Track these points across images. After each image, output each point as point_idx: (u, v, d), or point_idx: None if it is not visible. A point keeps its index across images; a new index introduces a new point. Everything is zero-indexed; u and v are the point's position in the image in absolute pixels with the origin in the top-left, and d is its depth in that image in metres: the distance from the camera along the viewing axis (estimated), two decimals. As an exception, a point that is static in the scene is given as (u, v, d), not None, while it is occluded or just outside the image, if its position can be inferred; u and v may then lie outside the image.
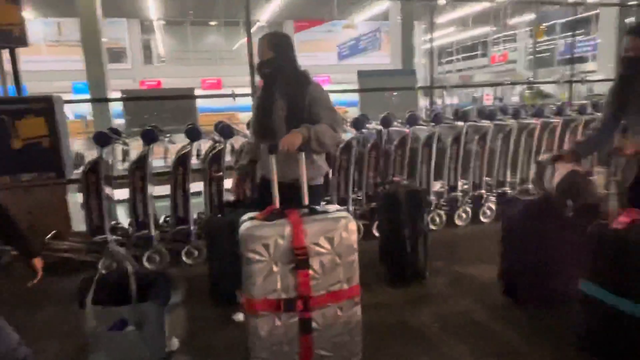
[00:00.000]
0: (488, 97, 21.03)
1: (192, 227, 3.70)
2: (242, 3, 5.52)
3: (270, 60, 2.28)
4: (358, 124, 4.11)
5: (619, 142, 2.18)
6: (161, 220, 4.19)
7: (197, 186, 3.87)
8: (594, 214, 2.35)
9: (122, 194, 4.14)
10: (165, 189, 4.05)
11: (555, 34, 21.48)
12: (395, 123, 4.33)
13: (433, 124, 4.33)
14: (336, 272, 1.95)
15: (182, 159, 3.64)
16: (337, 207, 2.21)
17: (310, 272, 1.91)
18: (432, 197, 4.33)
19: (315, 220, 1.96)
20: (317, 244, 1.92)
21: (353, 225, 1.99)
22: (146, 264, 3.54)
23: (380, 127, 4.18)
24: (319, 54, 20.99)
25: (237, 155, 3.85)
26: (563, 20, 19.33)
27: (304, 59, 2.37)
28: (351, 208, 4.09)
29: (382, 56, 21.54)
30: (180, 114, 12.88)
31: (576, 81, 11.35)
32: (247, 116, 3.57)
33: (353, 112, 11.66)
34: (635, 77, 2.21)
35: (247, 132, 3.94)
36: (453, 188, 4.43)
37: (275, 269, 1.90)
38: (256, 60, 2.50)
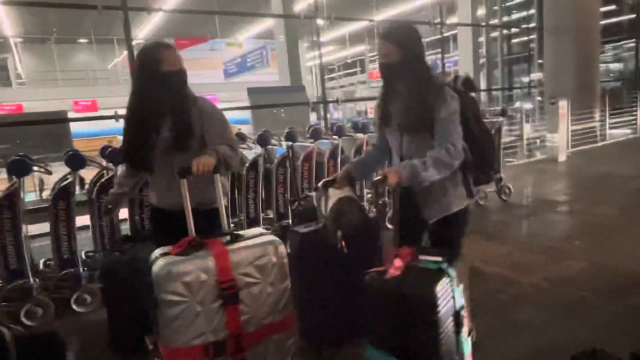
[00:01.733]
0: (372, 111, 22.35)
1: (81, 270, 3.18)
2: (115, 20, 5.05)
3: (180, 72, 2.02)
4: (263, 140, 3.97)
5: (385, 169, 1.83)
6: (40, 265, 3.56)
7: (81, 221, 3.37)
8: (370, 248, 2.04)
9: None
10: (40, 228, 3.46)
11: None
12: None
13: (311, 139, 4.23)
14: (269, 303, 1.77)
15: (64, 191, 3.12)
16: (260, 230, 2.03)
17: (241, 307, 1.70)
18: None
19: (241, 247, 1.76)
20: (246, 274, 1.72)
21: (283, 248, 1.83)
22: (25, 319, 2.93)
23: (287, 142, 4.08)
24: (204, 72, 20.37)
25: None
26: (429, 39, 21.45)
27: (190, 78, 2.09)
28: (262, 228, 3.90)
29: (270, 73, 21.67)
30: (50, 140, 11.41)
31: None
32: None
33: (245, 130, 11.49)
34: (394, 86, 1.95)
35: (100, 159, 3.56)
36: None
37: (199, 309, 1.65)
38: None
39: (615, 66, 15.70)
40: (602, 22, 11.00)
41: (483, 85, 16.95)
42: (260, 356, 1.77)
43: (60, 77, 20.64)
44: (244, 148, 4.22)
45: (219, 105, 2.31)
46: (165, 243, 1.80)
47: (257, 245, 1.78)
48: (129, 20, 5.22)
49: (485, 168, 2.01)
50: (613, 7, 14.17)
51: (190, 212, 1.83)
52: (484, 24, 16.12)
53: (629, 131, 10.53)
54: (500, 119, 5.57)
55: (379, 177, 1.80)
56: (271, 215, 4.12)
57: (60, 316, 3.05)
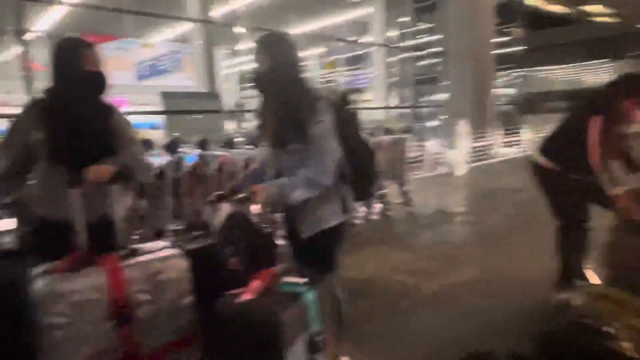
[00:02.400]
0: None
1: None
2: (11, 9, 4.60)
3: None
4: (172, 147, 3.81)
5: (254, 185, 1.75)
6: None
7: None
8: (254, 264, 1.81)
9: None
10: None
11: (340, 67, 24.61)
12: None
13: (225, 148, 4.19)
14: (167, 323, 1.68)
15: None
16: (161, 243, 1.93)
17: (137, 326, 1.60)
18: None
19: (138, 263, 1.66)
20: (143, 292, 1.62)
21: (184, 263, 1.76)
22: None
23: (198, 150, 3.95)
24: (114, 73, 19.08)
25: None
26: (346, 55, 22.25)
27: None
28: (170, 240, 3.72)
29: (185, 78, 20.92)
30: None
31: (361, 108, 13.15)
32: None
33: (157, 135, 11.01)
34: (268, 97, 1.90)
35: None
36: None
37: (88, 331, 1.52)
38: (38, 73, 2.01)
39: (508, 91, 17.57)
40: (497, 52, 12.29)
41: (395, 102, 17.96)
42: (157, 378, 1.67)
43: None
44: (150, 156, 4.01)
45: (130, 109, 2.20)
46: (50, 259, 1.63)
47: (156, 260, 1.70)
48: (22, 10, 4.73)
49: (364, 184, 1.99)
50: (505, 38, 15.89)
51: (82, 225, 1.69)
52: (395, 45, 17.14)
53: (517, 149, 11.79)
54: (406, 135, 5.95)
55: (244, 195, 1.72)
56: (180, 227, 3.95)
57: None
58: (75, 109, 1.85)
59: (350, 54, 21.39)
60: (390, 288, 3.39)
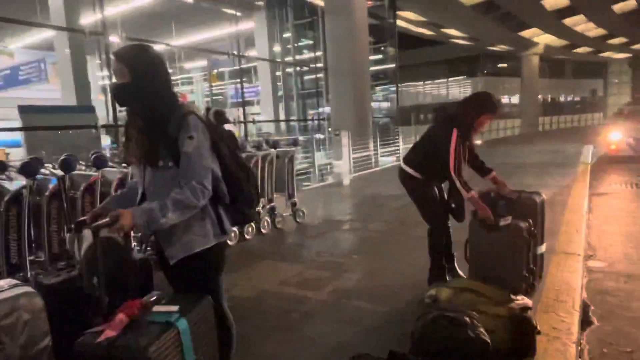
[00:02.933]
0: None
1: None
2: None
3: None
4: (30, 169, 3.36)
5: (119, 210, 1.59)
6: None
7: None
8: (123, 294, 1.68)
9: None
10: None
11: (226, 80, 24.30)
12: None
13: (95, 167, 3.78)
14: (21, 370, 1.47)
15: None
16: (10, 281, 1.68)
17: (-22, 381, 1.37)
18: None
19: (-21, 307, 1.43)
20: (-14, 340, 1.40)
21: (38, 301, 1.56)
22: None
23: (59, 172, 3.55)
24: (-45, 83, 16.39)
25: None
26: (230, 69, 22.03)
27: None
28: (30, 274, 3.27)
29: (51, 90, 18.80)
30: None
31: (248, 121, 13.11)
32: None
33: (16, 154, 9.77)
34: (132, 111, 1.80)
35: None
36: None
37: None
38: None
39: (385, 105, 19.03)
40: (373, 69, 13.27)
41: (282, 115, 18.23)
42: None
43: None
44: (2, 179, 3.51)
45: None
46: None
47: (4, 300, 1.48)
48: None
49: (242, 207, 1.89)
50: (380, 56, 17.22)
51: None
52: (279, 60, 17.46)
53: (394, 158, 12.78)
54: (294, 148, 6.07)
55: (107, 220, 1.56)
56: (43, 258, 3.50)
57: None
58: None
59: (235, 67, 21.25)
60: (280, 302, 3.39)
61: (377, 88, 17.43)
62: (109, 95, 15.08)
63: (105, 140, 12.63)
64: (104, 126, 8.45)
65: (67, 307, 1.74)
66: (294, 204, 5.86)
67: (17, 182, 3.59)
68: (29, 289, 1.55)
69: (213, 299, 1.73)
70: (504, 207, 3.12)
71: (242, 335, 2.10)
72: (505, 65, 35.11)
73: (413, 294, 3.31)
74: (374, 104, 14.04)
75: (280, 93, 17.71)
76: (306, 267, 4.20)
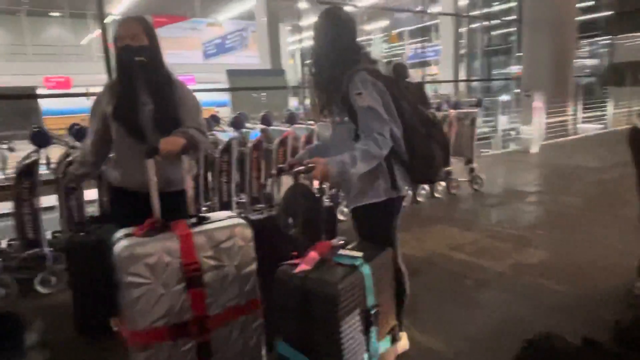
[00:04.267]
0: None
1: (46, 250, 3.11)
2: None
3: (145, 48, 1.95)
4: (238, 123, 3.93)
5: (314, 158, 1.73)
6: (3, 244, 3.47)
7: (49, 200, 3.29)
8: (315, 235, 1.81)
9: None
10: (5, 206, 3.36)
11: (404, 40, 23.80)
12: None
13: (287, 123, 4.21)
14: (233, 287, 1.77)
15: (28, 169, 3.03)
16: (227, 213, 2.01)
17: (205, 289, 1.70)
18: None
19: (207, 230, 1.75)
20: (211, 257, 1.71)
21: (249, 232, 1.82)
22: (-15, 300, 2.87)
23: (261, 125, 4.04)
24: (183, 52, 19.91)
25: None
26: (411, 28, 21.46)
27: (168, 57, 2.11)
28: (235, 212, 3.89)
29: (250, 56, 21.34)
30: (18, 117, 11.02)
31: (428, 82, 12.69)
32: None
33: (223, 112, 11.42)
34: (316, 72, 1.93)
35: (68, 138, 3.42)
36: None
37: (162, 291, 1.64)
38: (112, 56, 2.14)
39: (590, 62, 16.06)
40: (579, 18, 11.22)
41: (463, 75, 17.13)
42: (224, 339, 1.77)
43: (31, 51, 19.83)
44: (218, 131, 4.17)
45: (197, 87, 2.30)
46: (128, 224, 1.77)
47: (223, 228, 1.77)
48: (101, -6, 5.05)
49: (421, 166, 1.87)
50: (591, 3, 14.41)
51: (156, 194, 1.80)
52: (465, 14, 16.20)
53: (599, 126, 10.84)
54: (476, 109, 5.65)
55: (302, 167, 1.74)
56: (245, 200, 4.11)
57: (24, 297, 2.99)
58: (145, 83, 1.97)
59: (416, 26, 20.59)
60: (452, 266, 3.31)
61: (583, 42, 14.74)
62: (297, 59, 16.40)
63: (293, 101, 13.90)
64: (293, 87, 9.17)
65: (266, 241, 2.00)
66: (471, 170, 5.53)
67: (227, 134, 4.25)
68: (242, 220, 1.84)
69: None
70: None
71: (413, 292, 2.13)
72: None
73: (610, 280, 2.86)
74: (577, 61, 11.95)
75: (463, 51, 16.56)
76: (482, 235, 3.97)
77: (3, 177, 4.11)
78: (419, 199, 5.07)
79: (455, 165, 5.44)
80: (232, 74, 13.70)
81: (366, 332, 1.63)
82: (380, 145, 1.73)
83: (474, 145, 5.52)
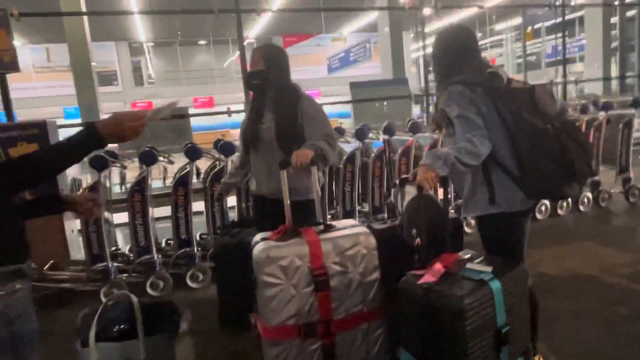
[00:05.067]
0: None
1: (195, 249, 3.56)
2: (230, 21, 5.49)
3: (260, 72, 2.22)
4: (361, 134, 4.02)
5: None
6: (163, 243, 4.05)
7: (196, 206, 3.75)
8: (440, 246, 1.78)
9: (120, 218, 4.01)
10: (163, 211, 3.92)
11: (540, 37, 21.76)
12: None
13: (410, 132, 4.13)
14: (357, 293, 1.82)
15: (183, 179, 3.51)
16: (352, 221, 2.09)
17: (331, 293, 1.79)
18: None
19: (333, 237, 1.84)
20: (337, 263, 1.80)
21: (373, 240, 1.87)
22: (150, 290, 3.38)
23: (384, 136, 4.08)
24: (309, 68, 21.07)
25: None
26: (549, 23, 19.54)
27: (295, 74, 2.37)
28: (360, 220, 3.98)
29: (373, 67, 21.65)
30: (175, 133, 12.80)
31: (570, 82, 11.39)
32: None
33: (346, 124, 11.72)
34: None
35: (214, 152, 3.89)
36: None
37: (293, 292, 1.77)
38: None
39: None
40: None
41: (615, 72, 15.03)
42: (348, 344, 1.83)
43: (183, 76, 22.94)
44: (342, 142, 4.32)
45: (321, 100, 2.47)
46: (266, 229, 1.95)
47: (348, 236, 1.85)
48: (241, 22, 5.63)
49: (529, 178, 1.72)
50: None
51: (288, 202, 1.96)
52: (617, 2, 14.21)
53: None
54: (632, 111, 4.92)
55: (406, 176, 1.85)
56: (367, 209, 4.17)
57: (177, 290, 3.45)
58: (256, 100, 2.28)
59: (554, 21, 18.69)
60: (602, 291, 2.91)
61: None
62: (419, 67, 16.12)
63: (416, 109, 13.69)
64: (415, 96, 9.03)
65: (389, 251, 2.02)
66: (626, 180, 4.81)
67: (351, 145, 4.37)
68: (366, 229, 1.90)
69: None
70: None
71: (552, 316, 1.93)
72: None
73: None
74: None
75: (614, 44, 14.54)
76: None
77: (163, 186, 4.82)
78: (559, 211, 4.58)
79: (605, 175, 4.79)
80: (354, 86, 14.04)
81: (497, 350, 1.55)
82: (476, 144, 1.70)
83: (629, 152, 4.80)
